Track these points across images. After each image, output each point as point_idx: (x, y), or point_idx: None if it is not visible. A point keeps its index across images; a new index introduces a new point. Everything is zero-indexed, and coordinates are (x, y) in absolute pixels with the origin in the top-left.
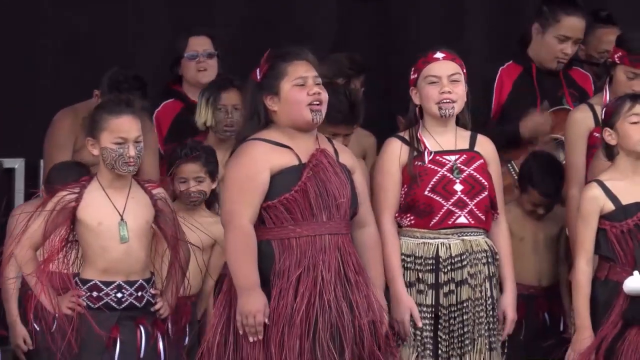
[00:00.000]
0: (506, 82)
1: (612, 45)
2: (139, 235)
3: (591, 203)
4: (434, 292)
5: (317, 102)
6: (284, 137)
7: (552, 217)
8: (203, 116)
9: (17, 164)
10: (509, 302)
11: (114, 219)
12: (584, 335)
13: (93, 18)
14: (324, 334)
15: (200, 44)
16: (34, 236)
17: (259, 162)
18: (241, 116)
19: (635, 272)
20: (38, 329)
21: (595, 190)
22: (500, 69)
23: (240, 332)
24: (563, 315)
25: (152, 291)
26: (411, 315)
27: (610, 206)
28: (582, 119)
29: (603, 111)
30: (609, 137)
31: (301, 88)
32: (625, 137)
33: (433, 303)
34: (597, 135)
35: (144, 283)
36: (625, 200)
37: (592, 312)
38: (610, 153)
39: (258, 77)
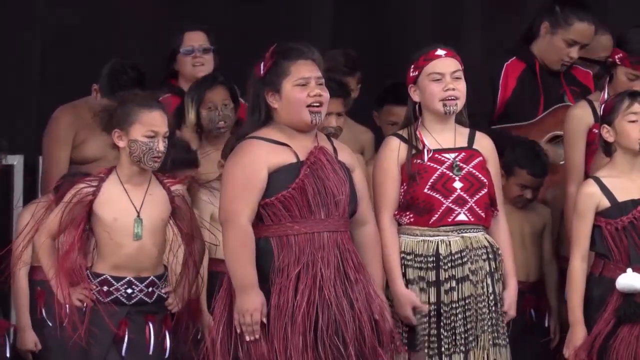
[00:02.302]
0: (511, 78)
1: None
2: (153, 232)
3: (587, 199)
4: (435, 289)
5: (317, 104)
6: (282, 135)
7: (536, 211)
8: (190, 118)
9: (16, 161)
10: (511, 299)
11: (129, 215)
12: (577, 332)
13: (88, 14)
14: (326, 330)
15: (195, 39)
16: (51, 225)
17: (257, 161)
18: (231, 112)
19: (629, 270)
20: (51, 325)
21: (591, 187)
22: (505, 64)
23: (238, 330)
24: (548, 313)
25: (165, 290)
26: (415, 310)
27: (606, 203)
28: (581, 116)
29: (601, 108)
30: (607, 134)
31: (302, 88)
32: (623, 135)
33: (435, 300)
34: (596, 131)
35: (155, 279)
36: (621, 197)
37: (586, 307)
38: (608, 150)
39: (261, 71)
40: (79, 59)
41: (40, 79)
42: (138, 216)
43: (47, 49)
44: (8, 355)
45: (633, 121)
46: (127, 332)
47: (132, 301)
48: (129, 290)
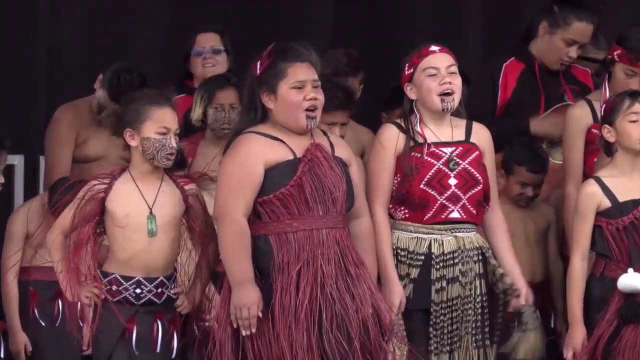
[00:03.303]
0: (510, 78)
1: None
2: (165, 230)
3: (588, 199)
4: (423, 287)
5: (313, 108)
6: (279, 132)
7: (539, 211)
8: (197, 113)
9: (17, 161)
10: (517, 274)
11: (142, 211)
12: (576, 332)
13: (90, 15)
14: (330, 326)
15: (207, 41)
16: (63, 222)
17: (254, 156)
18: (238, 115)
19: (630, 270)
20: (44, 324)
21: (593, 187)
22: (504, 64)
23: (235, 325)
24: (554, 313)
25: (174, 290)
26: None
27: (606, 203)
28: (580, 116)
29: (602, 108)
30: (608, 134)
31: (298, 91)
32: (624, 135)
33: (423, 298)
34: (595, 131)
35: (165, 280)
36: (622, 197)
37: (587, 307)
38: (609, 150)
39: (258, 71)
40: (82, 60)
41: (40, 78)
42: (151, 213)
43: (52, 49)
44: (2, 355)
45: (634, 121)
46: (135, 329)
47: (141, 301)
48: (138, 290)
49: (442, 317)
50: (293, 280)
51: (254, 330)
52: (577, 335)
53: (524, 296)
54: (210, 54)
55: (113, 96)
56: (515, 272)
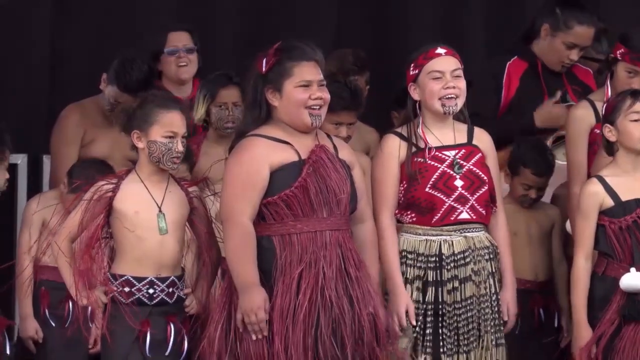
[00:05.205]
0: (514, 77)
1: None
2: (175, 229)
3: (591, 198)
4: (433, 289)
5: (318, 107)
6: (283, 133)
7: (544, 211)
8: (200, 112)
9: (20, 160)
10: (510, 297)
11: (151, 210)
12: (582, 331)
13: (93, 15)
14: (326, 329)
15: (179, 39)
16: (71, 224)
17: (259, 159)
18: (241, 113)
19: (632, 269)
20: (54, 324)
21: (595, 186)
22: (507, 64)
23: (241, 329)
24: (558, 312)
25: (185, 291)
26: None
27: (609, 202)
28: (583, 116)
29: (603, 107)
30: (609, 133)
31: (304, 90)
32: (625, 135)
33: (433, 300)
34: (598, 131)
35: (175, 279)
36: (624, 196)
37: (589, 306)
38: (611, 149)
39: (263, 69)
40: (85, 59)
41: (43, 78)
42: (160, 211)
43: (55, 49)
44: (8, 352)
45: (635, 120)
46: (149, 331)
47: (154, 301)
48: (151, 290)
49: (455, 318)
50: (294, 282)
51: (265, 334)
52: (583, 335)
53: (510, 319)
54: (184, 53)
55: (123, 86)
56: (507, 281)
